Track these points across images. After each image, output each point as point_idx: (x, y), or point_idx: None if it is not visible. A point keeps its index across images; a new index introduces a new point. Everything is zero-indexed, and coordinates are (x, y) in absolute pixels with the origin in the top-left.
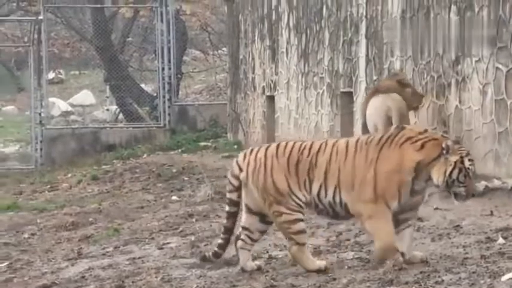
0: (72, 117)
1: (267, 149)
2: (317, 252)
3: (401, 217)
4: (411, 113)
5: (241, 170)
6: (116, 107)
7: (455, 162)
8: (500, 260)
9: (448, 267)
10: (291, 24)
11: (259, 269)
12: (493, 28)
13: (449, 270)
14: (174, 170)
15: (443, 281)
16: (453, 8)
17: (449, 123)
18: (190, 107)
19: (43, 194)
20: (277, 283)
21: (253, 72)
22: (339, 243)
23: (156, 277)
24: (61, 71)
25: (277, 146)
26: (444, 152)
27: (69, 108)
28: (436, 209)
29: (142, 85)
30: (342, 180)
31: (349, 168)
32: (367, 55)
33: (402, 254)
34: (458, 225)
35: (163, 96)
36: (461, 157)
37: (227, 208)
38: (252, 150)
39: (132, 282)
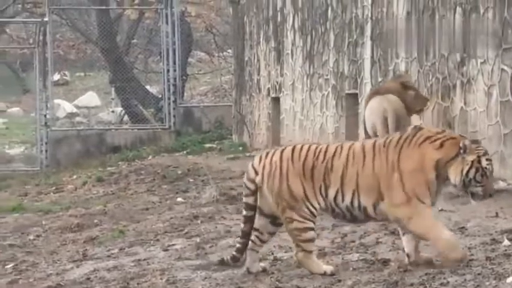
0: (78, 118)
1: (282, 152)
2: (322, 254)
3: None
4: (416, 116)
5: (257, 173)
6: (121, 108)
7: (472, 162)
8: (505, 261)
9: (453, 269)
10: (296, 26)
11: (264, 270)
12: (498, 29)
13: (454, 272)
14: (179, 172)
15: (448, 282)
16: (458, 9)
17: (454, 124)
18: (195, 108)
19: (48, 196)
20: (282, 285)
21: (258, 74)
22: (343, 244)
23: (161, 279)
24: (66, 72)
25: (293, 150)
26: (461, 151)
27: (75, 110)
28: (441, 210)
29: (148, 87)
30: (360, 184)
31: (368, 172)
32: (372, 57)
33: (408, 256)
34: (463, 227)
35: (169, 98)
36: (479, 156)
37: (244, 212)
38: (267, 153)
39: (137, 284)
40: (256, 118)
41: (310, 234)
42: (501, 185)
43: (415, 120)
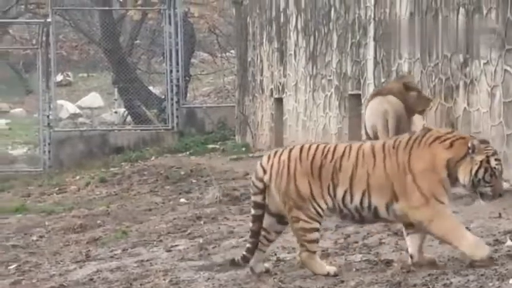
0: (81, 119)
1: (290, 151)
2: (325, 254)
3: None
4: (419, 116)
5: (265, 171)
6: (124, 109)
7: (481, 162)
8: (508, 262)
9: (456, 270)
10: (299, 26)
11: (267, 271)
12: (501, 30)
13: (457, 272)
14: (182, 173)
15: (451, 283)
16: (461, 10)
17: (457, 125)
18: (198, 109)
19: (51, 197)
20: (285, 285)
21: (261, 75)
22: (347, 245)
23: (164, 280)
24: (69, 73)
25: (301, 149)
26: (470, 151)
27: (78, 111)
28: None
29: (151, 87)
30: (372, 184)
31: (380, 172)
32: (375, 57)
33: (411, 256)
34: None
35: (172, 99)
36: (487, 156)
37: (252, 211)
38: (276, 152)
39: (140, 284)
40: (259, 119)
41: (315, 235)
42: (504, 185)
43: (418, 121)
